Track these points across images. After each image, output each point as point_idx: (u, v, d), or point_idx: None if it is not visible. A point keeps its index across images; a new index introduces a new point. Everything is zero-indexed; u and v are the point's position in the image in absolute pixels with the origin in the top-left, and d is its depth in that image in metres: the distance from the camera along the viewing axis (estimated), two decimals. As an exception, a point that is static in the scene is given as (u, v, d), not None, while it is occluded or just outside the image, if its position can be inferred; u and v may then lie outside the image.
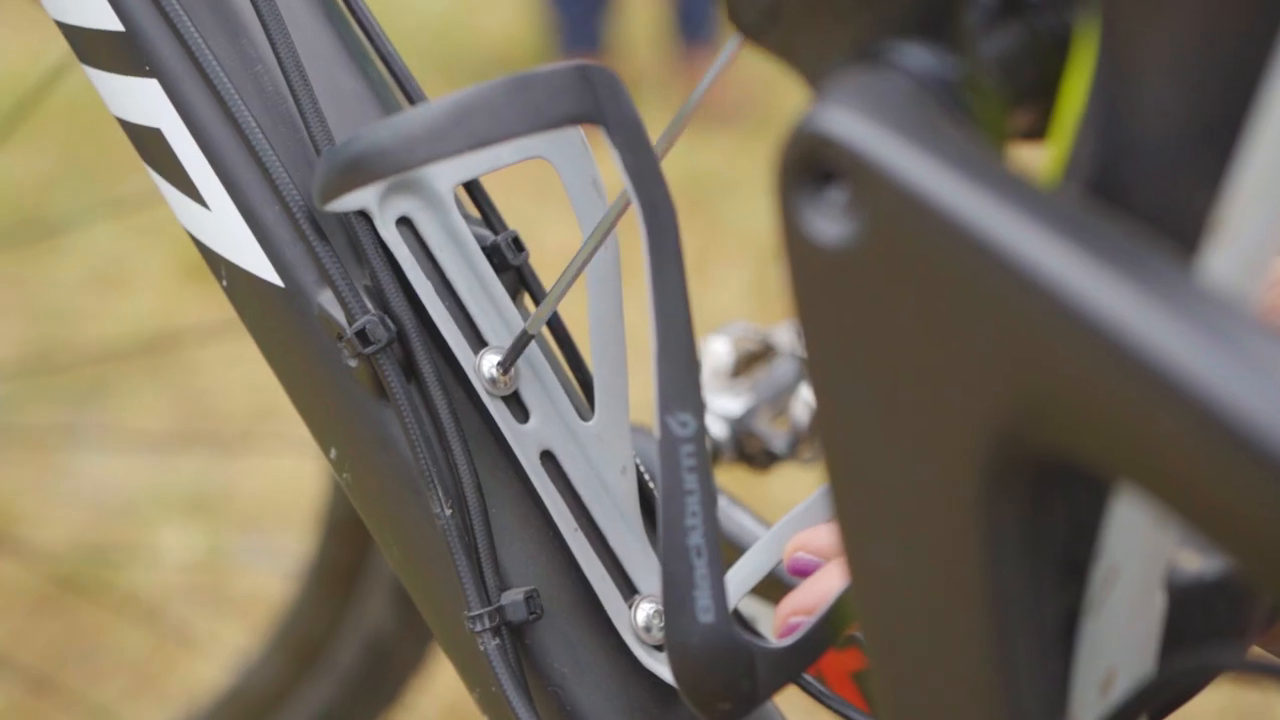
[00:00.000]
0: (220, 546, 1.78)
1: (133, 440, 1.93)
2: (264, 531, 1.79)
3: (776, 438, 0.73)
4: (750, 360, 0.77)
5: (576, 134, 0.49)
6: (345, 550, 1.04)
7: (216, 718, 1.14)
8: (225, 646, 1.55)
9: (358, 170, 0.46)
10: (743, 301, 2.22)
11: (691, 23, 3.14)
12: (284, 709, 1.08)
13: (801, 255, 0.34)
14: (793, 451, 0.73)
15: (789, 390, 0.75)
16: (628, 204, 0.46)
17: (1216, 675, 0.40)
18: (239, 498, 1.86)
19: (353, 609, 1.04)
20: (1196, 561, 0.40)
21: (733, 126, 2.97)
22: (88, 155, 2.69)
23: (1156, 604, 0.39)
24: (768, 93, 3.08)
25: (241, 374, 2.06)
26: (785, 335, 0.78)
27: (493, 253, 0.52)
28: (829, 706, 0.52)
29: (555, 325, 0.54)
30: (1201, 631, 0.40)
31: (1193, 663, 0.39)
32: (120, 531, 1.78)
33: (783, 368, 0.76)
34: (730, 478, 0.76)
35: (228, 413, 2.04)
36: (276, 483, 1.85)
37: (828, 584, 0.47)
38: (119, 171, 2.60)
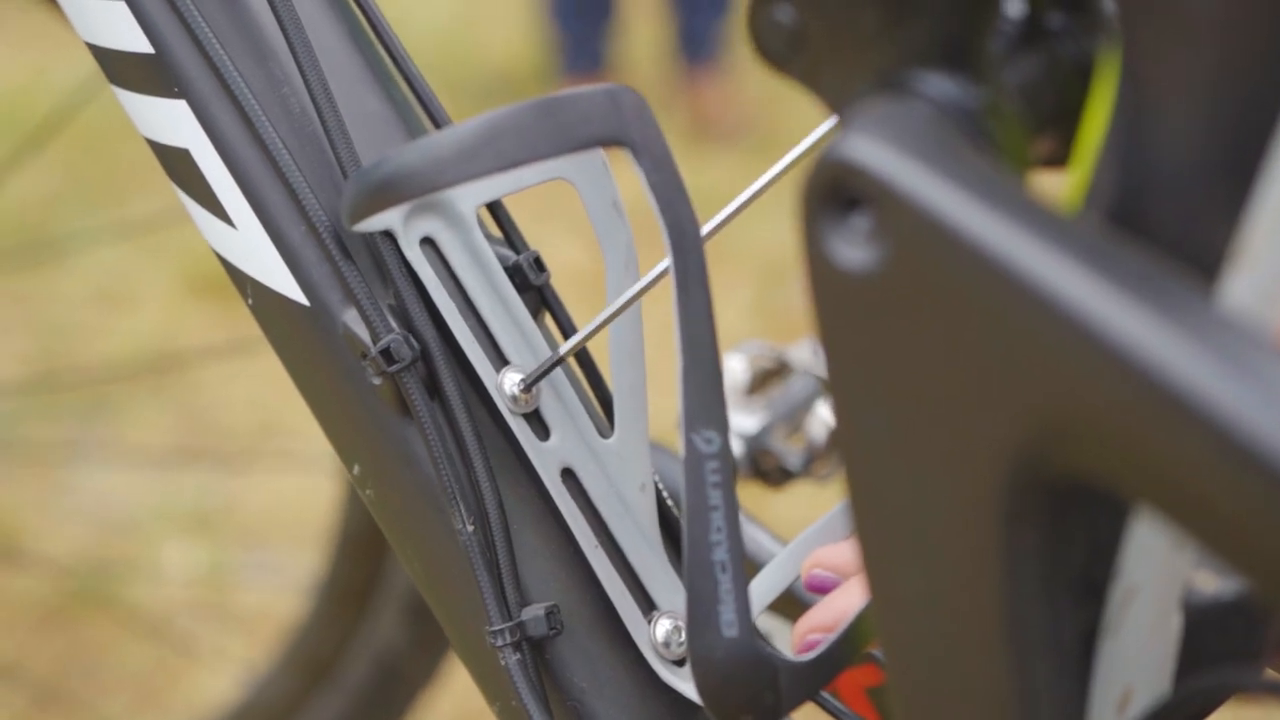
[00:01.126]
0: (223, 563, 1.78)
1: (136, 456, 1.94)
2: (267, 548, 1.80)
3: (791, 455, 0.74)
4: (765, 378, 0.78)
5: (598, 156, 0.50)
6: (357, 567, 1.05)
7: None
8: (229, 662, 1.55)
9: (388, 191, 0.47)
10: (748, 320, 2.23)
11: (694, 42, 3.15)
12: (293, 725, 1.09)
13: (826, 280, 0.35)
14: (807, 468, 0.74)
15: (804, 407, 0.76)
16: (663, 272, 0.47)
17: (1231, 696, 0.41)
18: (241, 514, 1.87)
19: (364, 625, 1.05)
20: (1213, 583, 0.41)
21: (735, 145, 2.98)
22: (93, 174, 2.70)
23: (1173, 625, 0.39)
24: (770, 112, 3.10)
25: (244, 391, 2.07)
26: (800, 353, 0.78)
27: (515, 272, 0.52)
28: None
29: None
30: (1217, 652, 0.41)
31: (1208, 683, 0.40)
32: (123, 547, 1.79)
33: (797, 385, 0.77)
34: (745, 495, 0.76)
35: (230, 429, 2.04)
36: (279, 499, 1.86)
37: (846, 601, 0.47)
38: (124, 191, 2.61)
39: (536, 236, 0.56)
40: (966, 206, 0.33)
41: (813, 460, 0.74)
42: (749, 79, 3.24)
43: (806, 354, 0.78)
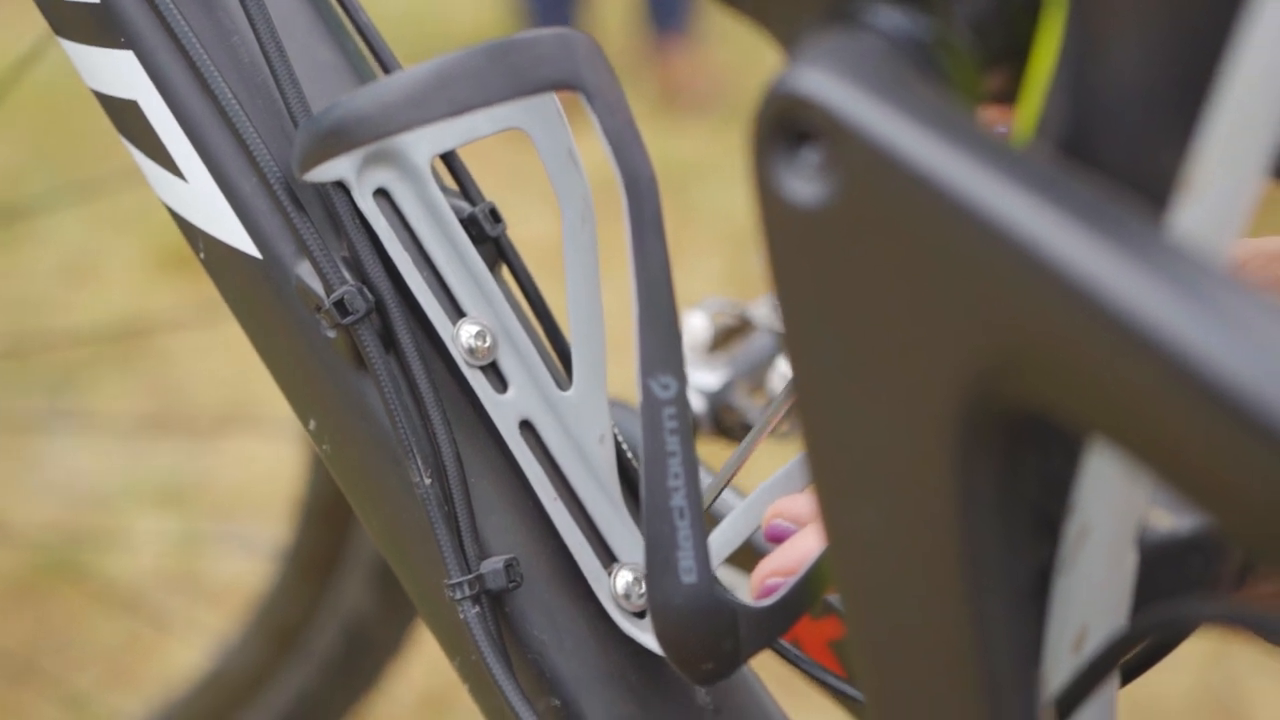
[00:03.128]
0: (194, 535, 1.78)
1: (106, 431, 1.93)
2: (238, 520, 1.79)
3: (753, 411, 0.74)
4: (727, 335, 0.77)
5: (552, 103, 0.50)
6: (323, 534, 1.04)
7: (195, 702, 1.14)
8: (201, 635, 1.55)
9: (338, 137, 0.46)
10: (717, 287, 2.23)
11: (663, 11, 3.15)
12: (263, 693, 1.08)
13: (776, 216, 0.35)
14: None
15: (766, 364, 0.75)
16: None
17: (1188, 631, 0.41)
18: (212, 487, 1.86)
19: (331, 593, 1.04)
20: (1168, 520, 0.41)
21: (704, 114, 2.97)
22: (57, 144, 2.68)
23: (1129, 562, 0.39)
24: (739, 81, 3.09)
25: (213, 364, 2.06)
26: (761, 310, 0.78)
27: (470, 224, 0.52)
28: (806, 672, 0.52)
29: (532, 296, 0.54)
30: (1173, 589, 0.41)
31: (1162, 617, 0.40)
32: (94, 521, 1.78)
33: (759, 342, 0.76)
34: (707, 451, 0.76)
35: (200, 403, 2.04)
36: (249, 472, 1.85)
37: (806, 545, 0.47)
38: (88, 160, 2.59)
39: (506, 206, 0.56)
40: (917, 139, 0.32)
41: (775, 416, 0.74)
42: (718, 48, 3.24)
43: (767, 310, 0.78)
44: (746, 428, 0.74)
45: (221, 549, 1.74)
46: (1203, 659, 1.54)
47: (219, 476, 1.87)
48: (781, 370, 0.74)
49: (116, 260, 2.39)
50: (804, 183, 0.34)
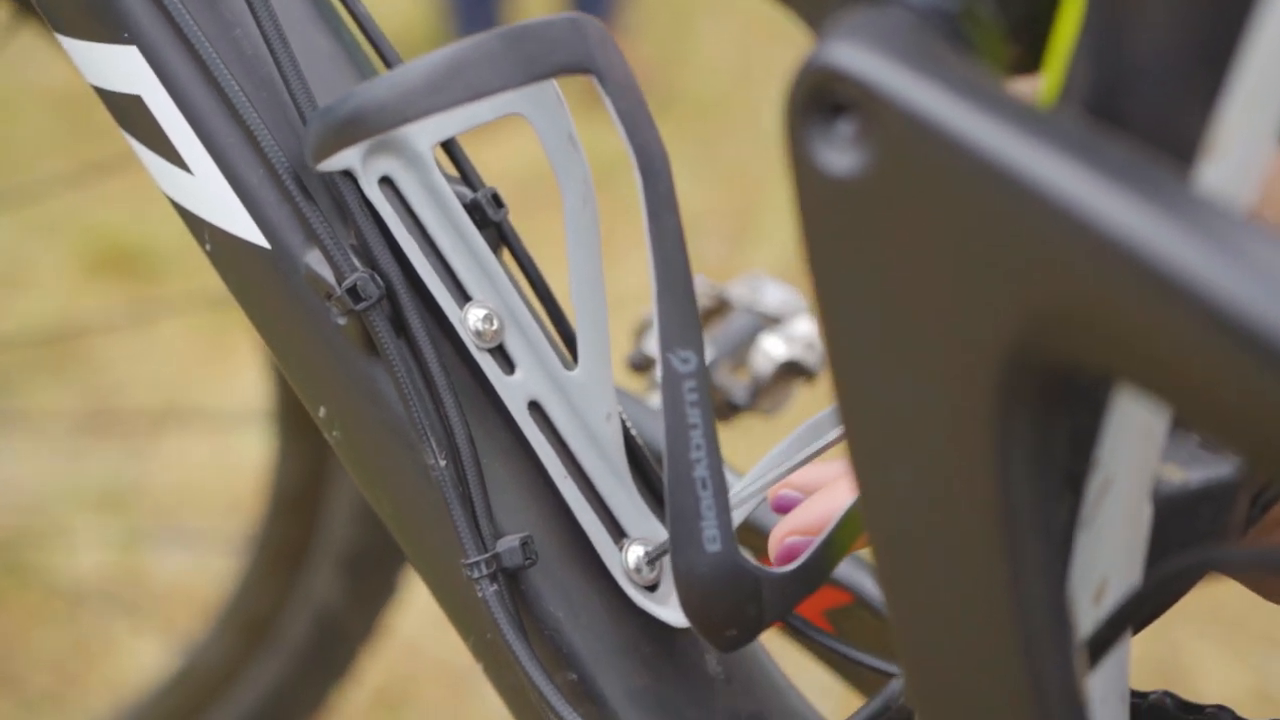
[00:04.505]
0: (137, 537, 1.77)
1: (43, 436, 1.91)
2: (179, 521, 1.79)
3: (737, 389, 0.75)
4: (706, 316, 0.78)
5: (552, 89, 0.50)
6: (291, 524, 1.04)
7: (167, 699, 1.14)
8: (148, 637, 1.54)
9: (356, 125, 0.47)
10: (646, 281, 2.23)
11: (587, 6, 3.15)
12: (235, 687, 1.08)
13: (812, 188, 0.36)
14: (753, 402, 0.75)
15: (747, 343, 0.76)
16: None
17: (1200, 578, 0.42)
18: (152, 489, 1.85)
19: (300, 583, 1.04)
20: (1180, 473, 0.42)
21: (632, 106, 2.97)
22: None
23: (1145, 515, 0.41)
24: (668, 73, 3.10)
25: (147, 368, 2.05)
26: (739, 289, 0.79)
27: (473, 209, 0.53)
28: (816, 641, 0.53)
29: (535, 279, 0.55)
30: (1185, 540, 0.42)
31: (1176, 567, 0.41)
32: (36, 526, 1.77)
33: (739, 321, 0.77)
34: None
35: (136, 406, 2.02)
36: (188, 473, 1.84)
37: (826, 507, 0.48)
38: (14, 167, 2.57)
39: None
40: (951, 106, 0.34)
41: (758, 394, 0.75)
42: (647, 40, 3.25)
43: (745, 290, 0.79)
44: (731, 406, 0.75)
45: (165, 550, 1.73)
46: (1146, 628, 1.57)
47: (158, 478, 1.86)
48: (764, 349, 0.75)
49: (46, 265, 2.36)
50: (839, 154, 0.35)
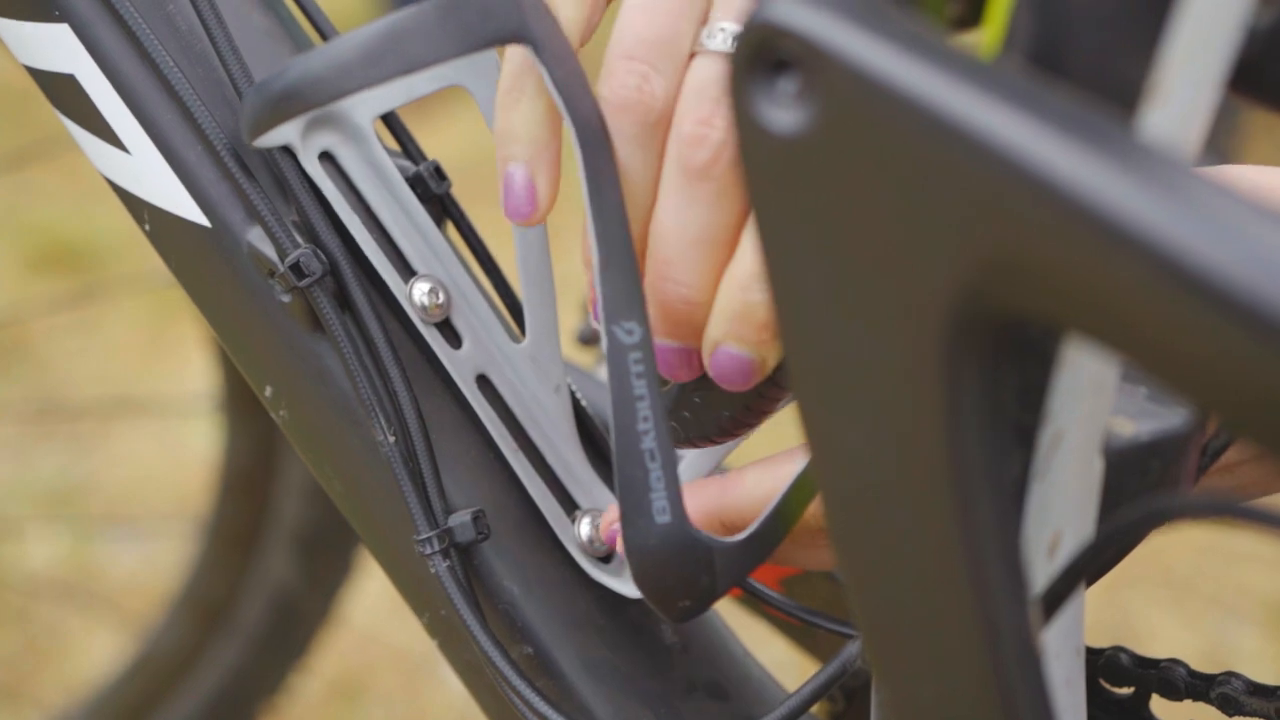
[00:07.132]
0: (86, 537, 1.75)
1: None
2: (128, 519, 1.77)
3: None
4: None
5: (491, 59, 0.50)
6: (243, 506, 1.03)
7: (125, 687, 1.13)
8: (99, 638, 1.53)
9: (293, 99, 0.46)
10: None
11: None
12: (193, 672, 1.08)
13: (756, 145, 0.36)
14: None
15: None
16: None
17: (1153, 527, 0.42)
18: (100, 487, 1.84)
19: (254, 566, 1.04)
20: (1129, 426, 0.42)
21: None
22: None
23: (1096, 468, 0.41)
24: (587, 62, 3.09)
25: (91, 365, 2.03)
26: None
27: (416, 183, 0.52)
28: (775, 606, 0.53)
29: (480, 252, 0.54)
30: (1136, 492, 0.42)
31: (1128, 517, 0.41)
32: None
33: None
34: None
35: (83, 400, 2.00)
36: (136, 470, 1.83)
37: (772, 478, 0.48)
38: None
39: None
40: (894, 60, 0.33)
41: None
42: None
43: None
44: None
45: (115, 548, 1.71)
46: (1097, 592, 1.58)
47: (106, 476, 1.85)
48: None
49: (-14, 264, 2.34)
50: (783, 111, 0.35)
